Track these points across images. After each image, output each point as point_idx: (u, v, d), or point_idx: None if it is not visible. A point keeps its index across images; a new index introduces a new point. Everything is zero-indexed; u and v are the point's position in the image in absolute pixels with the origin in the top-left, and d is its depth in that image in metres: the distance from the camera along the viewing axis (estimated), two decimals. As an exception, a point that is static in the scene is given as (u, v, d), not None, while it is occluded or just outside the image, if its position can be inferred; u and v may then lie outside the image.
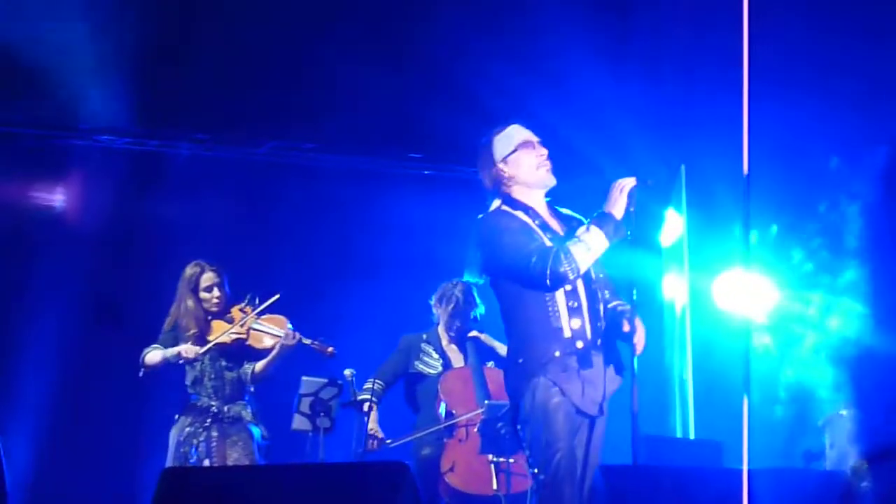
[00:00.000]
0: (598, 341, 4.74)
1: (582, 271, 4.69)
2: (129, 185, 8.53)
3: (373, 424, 6.80)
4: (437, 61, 8.12)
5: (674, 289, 8.29)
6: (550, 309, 4.71)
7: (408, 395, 7.04)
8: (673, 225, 8.29)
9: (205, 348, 6.55)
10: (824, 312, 6.77)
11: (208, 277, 6.67)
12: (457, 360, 6.97)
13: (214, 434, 6.47)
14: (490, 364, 6.85)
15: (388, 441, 6.78)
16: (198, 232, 8.48)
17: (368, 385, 6.89)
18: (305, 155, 8.77)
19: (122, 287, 8.42)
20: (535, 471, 4.66)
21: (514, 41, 8.22)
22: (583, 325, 4.71)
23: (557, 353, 4.67)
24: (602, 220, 4.74)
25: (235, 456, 6.41)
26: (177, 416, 6.60)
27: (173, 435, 6.54)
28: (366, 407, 6.84)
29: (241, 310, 6.70)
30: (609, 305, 4.85)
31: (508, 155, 4.91)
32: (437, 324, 7.08)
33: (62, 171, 8.65)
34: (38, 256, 8.52)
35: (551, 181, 4.93)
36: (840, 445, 6.57)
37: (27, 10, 7.84)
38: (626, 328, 4.74)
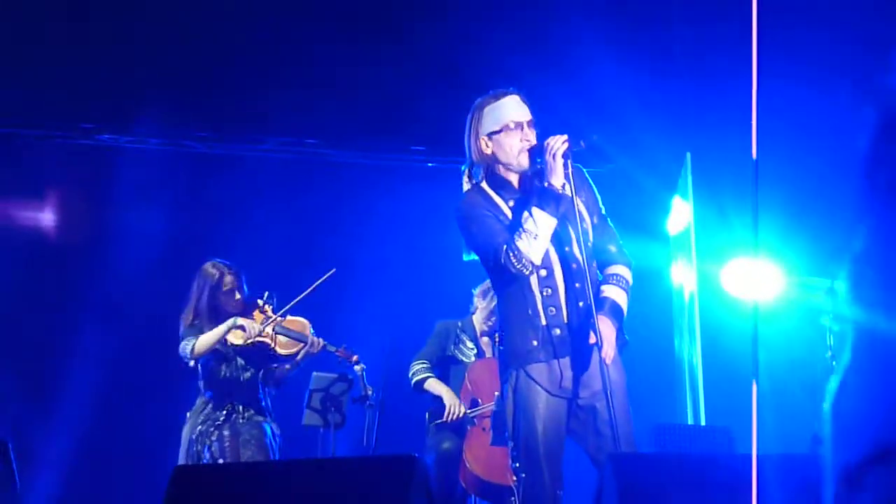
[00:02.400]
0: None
1: (537, 261, 4.53)
2: (130, 184, 8.56)
3: (451, 396, 6.82)
4: (440, 52, 8.14)
5: (682, 276, 8.33)
6: (527, 296, 4.59)
7: (440, 378, 7.05)
8: (679, 213, 8.32)
9: (267, 325, 6.55)
10: (835, 297, 6.79)
11: (229, 281, 6.65)
12: (489, 351, 7.05)
13: (227, 433, 6.46)
14: None
15: (469, 411, 6.80)
16: (202, 229, 8.53)
17: (419, 366, 6.96)
18: (308, 150, 8.80)
19: (128, 287, 8.43)
20: (517, 465, 4.54)
21: (519, 27, 8.24)
22: (559, 313, 4.56)
23: (535, 343, 4.55)
24: (542, 198, 4.55)
25: (249, 454, 6.41)
26: (188, 415, 6.60)
27: (185, 434, 6.54)
28: (427, 384, 6.91)
29: (261, 311, 6.69)
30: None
31: (494, 133, 4.67)
32: (472, 313, 7.14)
33: (62, 171, 8.69)
34: (44, 261, 8.59)
35: (526, 165, 4.69)
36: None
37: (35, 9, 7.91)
38: (592, 340, 4.50)
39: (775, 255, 7.81)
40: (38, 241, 8.69)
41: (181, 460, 6.46)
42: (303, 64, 8.15)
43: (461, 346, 7.03)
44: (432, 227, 8.46)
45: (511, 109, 4.70)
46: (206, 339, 6.52)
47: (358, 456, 6.63)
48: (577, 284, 4.60)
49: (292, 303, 6.65)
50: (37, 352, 8.46)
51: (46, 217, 8.71)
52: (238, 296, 6.66)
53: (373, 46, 8.10)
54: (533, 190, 4.64)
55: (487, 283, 6.97)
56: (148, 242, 8.48)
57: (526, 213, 4.56)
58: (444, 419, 6.80)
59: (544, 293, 4.58)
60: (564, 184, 4.58)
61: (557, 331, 4.56)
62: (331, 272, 6.65)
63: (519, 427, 4.56)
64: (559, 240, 4.63)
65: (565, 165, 4.56)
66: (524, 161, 4.70)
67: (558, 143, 4.56)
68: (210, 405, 6.57)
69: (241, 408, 6.57)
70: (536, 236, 4.52)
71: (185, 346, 6.54)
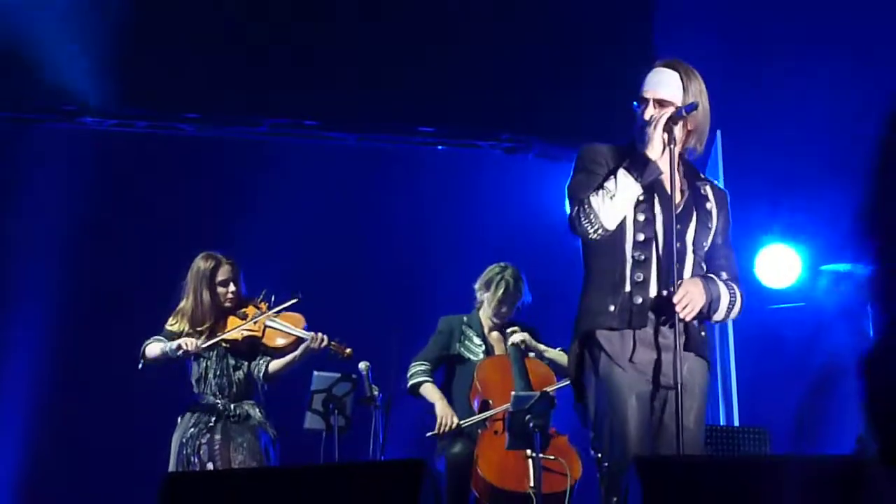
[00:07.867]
0: None
1: (608, 225, 4.53)
2: (117, 169, 8.59)
3: (443, 406, 6.79)
4: (446, 27, 8.16)
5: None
6: (617, 256, 4.58)
7: (446, 379, 7.02)
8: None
9: (208, 343, 6.52)
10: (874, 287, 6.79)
11: (225, 271, 6.66)
12: (498, 348, 6.99)
13: (217, 437, 6.46)
14: (532, 354, 6.88)
15: (462, 423, 6.75)
16: (194, 217, 8.54)
17: (417, 368, 6.92)
18: (307, 132, 8.75)
19: (116, 277, 8.50)
20: (599, 456, 4.48)
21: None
22: (646, 281, 4.54)
23: (612, 308, 4.52)
24: (633, 163, 4.55)
25: (241, 459, 6.40)
26: (179, 418, 6.60)
27: (175, 438, 6.53)
28: (423, 389, 6.86)
29: (256, 306, 6.69)
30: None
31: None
32: (478, 308, 7.08)
33: (46, 156, 8.68)
34: (26, 247, 8.59)
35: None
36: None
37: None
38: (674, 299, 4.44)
39: (808, 240, 7.80)
40: (12, 231, 8.71)
41: (171, 466, 6.46)
42: (299, 41, 8.16)
43: (467, 342, 6.98)
44: (442, 213, 8.42)
45: None
46: (151, 350, 6.57)
47: (363, 462, 6.52)
48: (676, 265, 4.54)
49: (286, 304, 6.66)
50: (8, 350, 8.47)
51: (24, 207, 8.72)
52: (233, 288, 6.65)
53: (375, 21, 8.13)
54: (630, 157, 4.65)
55: (488, 273, 6.98)
56: (134, 232, 8.50)
57: (610, 175, 4.58)
58: (435, 432, 6.76)
59: (636, 256, 4.56)
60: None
61: (639, 299, 4.53)
62: (296, 300, 6.65)
63: (599, 411, 4.51)
64: (672, 217, 4.57)
65: (668, 140, 4.56)
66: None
67: (661, 114, 4.59)
68: (201, 406, 6.57)
69: (233, 408, 6.56)
70: (613, 196, 4.52)
71: (142, 346, 6.60)
